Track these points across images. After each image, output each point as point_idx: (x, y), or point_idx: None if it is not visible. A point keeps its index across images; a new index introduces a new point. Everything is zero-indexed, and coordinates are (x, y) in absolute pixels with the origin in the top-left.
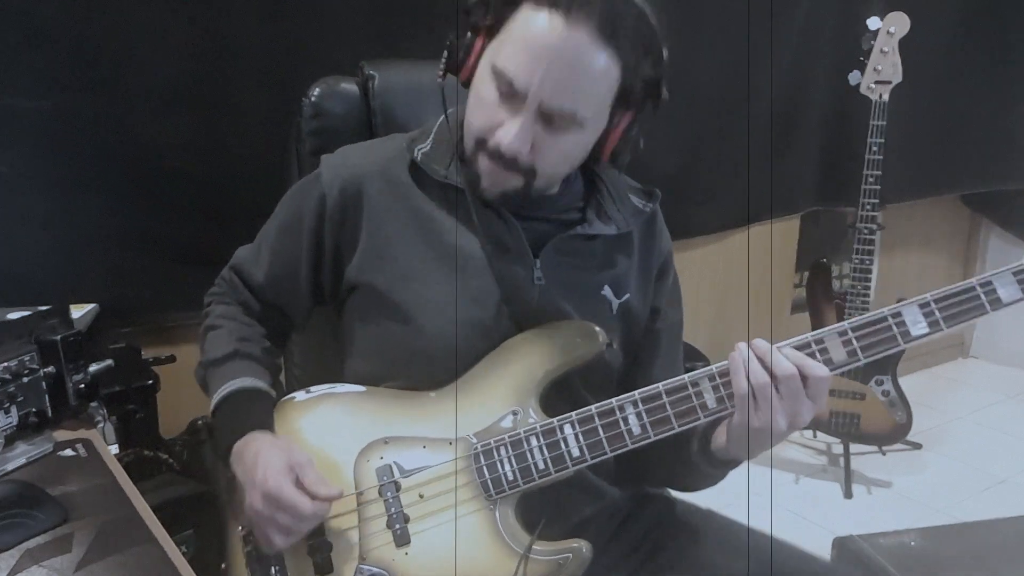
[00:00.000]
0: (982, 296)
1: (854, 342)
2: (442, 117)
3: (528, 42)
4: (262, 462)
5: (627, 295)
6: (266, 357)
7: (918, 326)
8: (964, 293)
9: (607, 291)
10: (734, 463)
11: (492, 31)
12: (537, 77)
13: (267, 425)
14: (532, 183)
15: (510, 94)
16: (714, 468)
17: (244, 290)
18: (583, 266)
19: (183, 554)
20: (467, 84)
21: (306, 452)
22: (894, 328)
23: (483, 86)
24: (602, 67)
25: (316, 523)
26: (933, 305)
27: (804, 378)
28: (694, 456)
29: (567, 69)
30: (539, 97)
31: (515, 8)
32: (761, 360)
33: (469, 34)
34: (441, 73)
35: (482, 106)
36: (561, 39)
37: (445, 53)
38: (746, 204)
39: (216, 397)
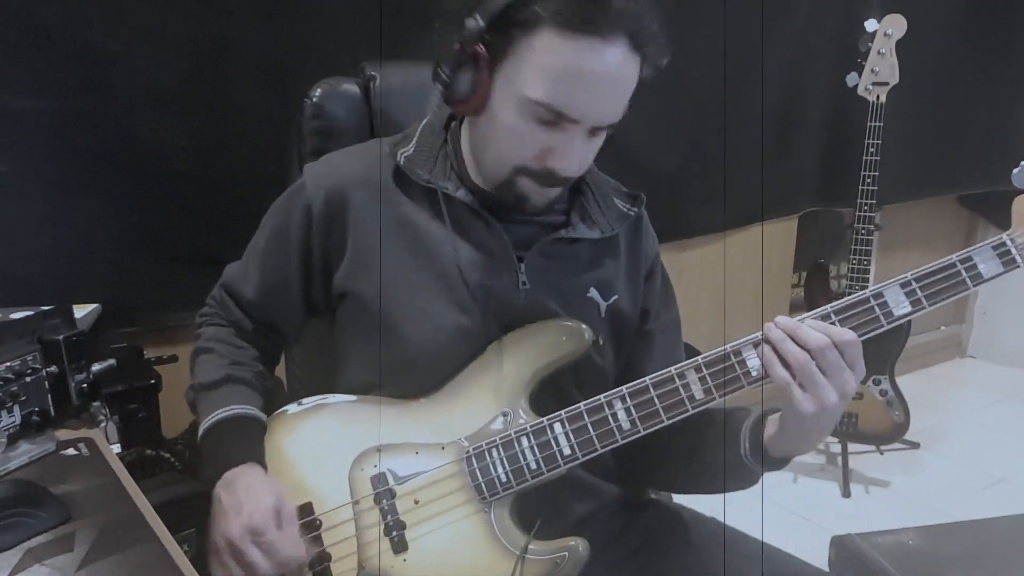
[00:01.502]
0: (963, 272)
1: (837, 325)
2: (425, 120)
3: (571, 72)
4: (254, 497)
5: (615, 297)
6: (258, 381)
7: (901, 306)
8: (945, 270)
9: (594, 293)
10: (788, 458)
11: (497, 57)
12: (591, 105)
13: (258, 455)
14: (570, 183)
15: (555, 122)
16: (769, 467)
17: (235, 309)
18: (568, 269)
19: (185, 553)
20: (476, 114)
21: (294, 507)
22: (876, 309)
23: (513, 118)
24: (635, 72)
25: (279, 572)
26: (914, 284)
27: (837, 345)
28: (746, 458)
29: (614, 88)
30: (592, 120)
31: (528, 33)
32: (792, 337)
33: (467, 62)
34: (446, 99)
35: (517, 137)
36: (605, 63)
37: (440, 88)
38: (748, 204)
39: (207, 423)
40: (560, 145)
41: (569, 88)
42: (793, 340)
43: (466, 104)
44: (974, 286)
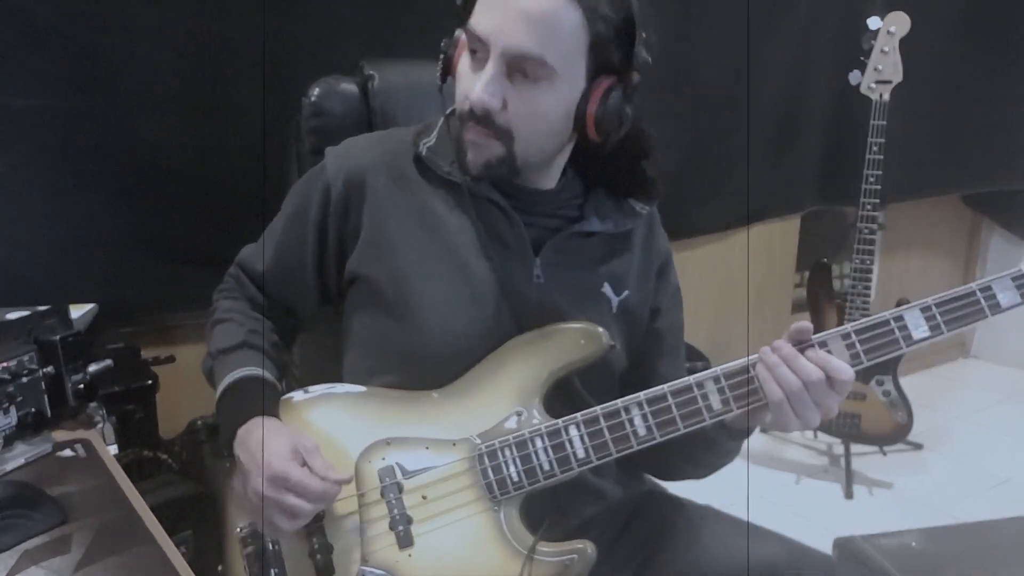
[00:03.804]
0: (982, 301)
1: (857, 345)
2: (447, 112)
3: None
4: (268, 447)
5: (626, 292)
6: (274, 351)
7: (919, 329)
8: (964, 298)
9: (607, 289)
10: (749, 432)
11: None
12: (500, 25)
13: (271, 412)
14: (513, 149)
15: (480, 52)
16: (732, 440)
17: (250, 284)
18: (582, 264)
19: (182, 554)
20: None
21: (312, 439)
22: (896, 332)
23: (462, 62)
24: (563, 13)
25: (324, 505)
26: (934, 309)
27: (830, 379)
28: (710, 433)
29: (529, 15)
30: (501, 42)
31: None
32: (788, 364)
33: (456, 32)
34: (440, 76)
35: (461, 80)
36: None
37: (441, 57)
38: (746, 204)
39: (222, 384)
40: (477, 77)
41: (485, 11)
42: (789, 366)
43: (447, 68)
44: (992, 315)
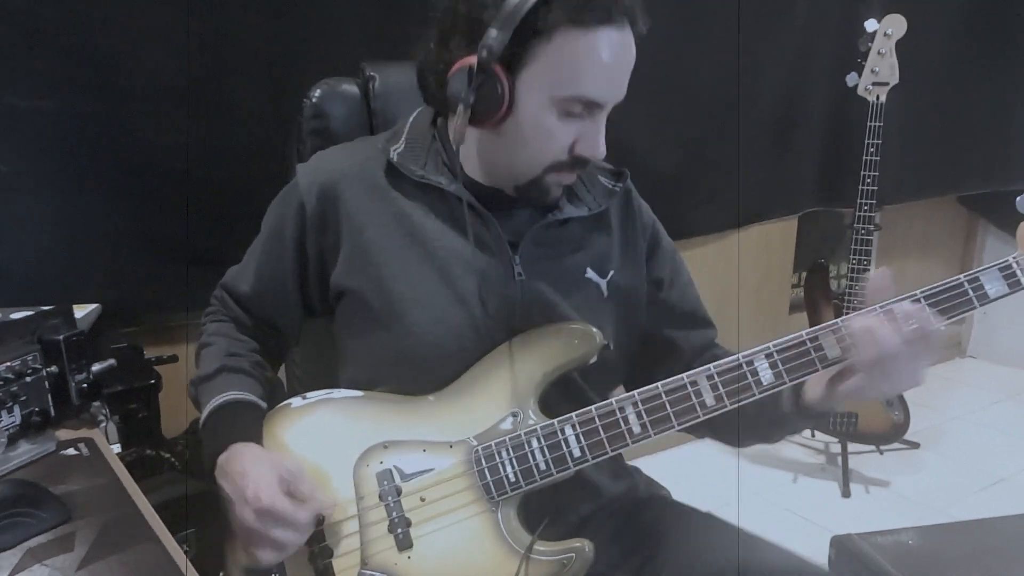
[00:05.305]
0: (970, 291)
1: (847, 339)
2: (412, 116)
3: (595, 63)
4: (252, 477)
5: (612, 273)
6: (255, 370)
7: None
8: (953, 289)
9: (591, 273)
10: (829, 412)
11: (515, 67)
12: (612, 88)
13: (252, 437)
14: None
15: (582, 112)
16: (808, 420)
17: (234, 305)
18: (562, 252)
19: (185, 553)
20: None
21: (295, 459)
22: None
23: (544, 119)
24: (634, 46)
25: (309, 534)
26: (924, 301)
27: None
28: (786, 413)
29: (628, 67)
30: (614, 99)
31: (545, 38)
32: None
33: (488, 80)
34: (459, 136)
35: (550, 136)
36: (622, 47)
37: (462, 108)
38: (748, 204)
39: (203, 413)
40: (586, 132)
41: (596, 77)
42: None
43: (494, 119)
44: (980, 306)
